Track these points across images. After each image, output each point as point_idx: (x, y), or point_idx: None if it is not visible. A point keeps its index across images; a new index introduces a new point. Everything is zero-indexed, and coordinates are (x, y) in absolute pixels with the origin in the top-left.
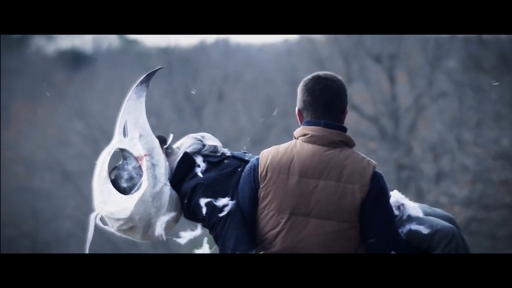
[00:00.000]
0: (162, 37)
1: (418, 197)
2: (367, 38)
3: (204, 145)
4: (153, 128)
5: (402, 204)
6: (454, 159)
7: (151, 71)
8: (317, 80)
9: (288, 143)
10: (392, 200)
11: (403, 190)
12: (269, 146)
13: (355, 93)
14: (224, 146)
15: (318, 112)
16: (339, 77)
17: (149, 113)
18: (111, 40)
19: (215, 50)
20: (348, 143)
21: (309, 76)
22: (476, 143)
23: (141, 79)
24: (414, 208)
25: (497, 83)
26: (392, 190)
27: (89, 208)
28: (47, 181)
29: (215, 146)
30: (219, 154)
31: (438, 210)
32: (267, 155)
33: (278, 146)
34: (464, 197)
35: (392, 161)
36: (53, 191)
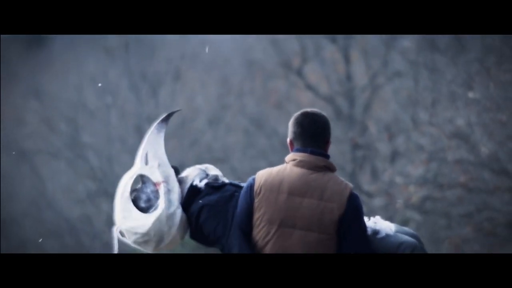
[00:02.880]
0: None
1: (373, 177)
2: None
3: (207, 175)
4: (109, 107)
5: (375, 223)
6: (409, 139)
7: (171, 111)
8: (305, 115)
9: (280, 166)
10: (370, 222)
11: (359, 169)
12: (225, 126)
13: (310, 73)
14: (180, 126)
15: (306, 142)
16: (324, 113)
17: (106, 92)
18: None
19: None
20: (330, 168)
21: (299, 112)
22: (431, 123)
23: (162, 117)
24: (387, 226)
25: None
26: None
27: (44, 188)
28: (3, 161)
29: (217, 175)
30: (220, 182)
31: (405, 228)
32: (261, 176)
33: (272, 168)
34: (419, 177)
35: (347, 141)
36: (9, 171)
